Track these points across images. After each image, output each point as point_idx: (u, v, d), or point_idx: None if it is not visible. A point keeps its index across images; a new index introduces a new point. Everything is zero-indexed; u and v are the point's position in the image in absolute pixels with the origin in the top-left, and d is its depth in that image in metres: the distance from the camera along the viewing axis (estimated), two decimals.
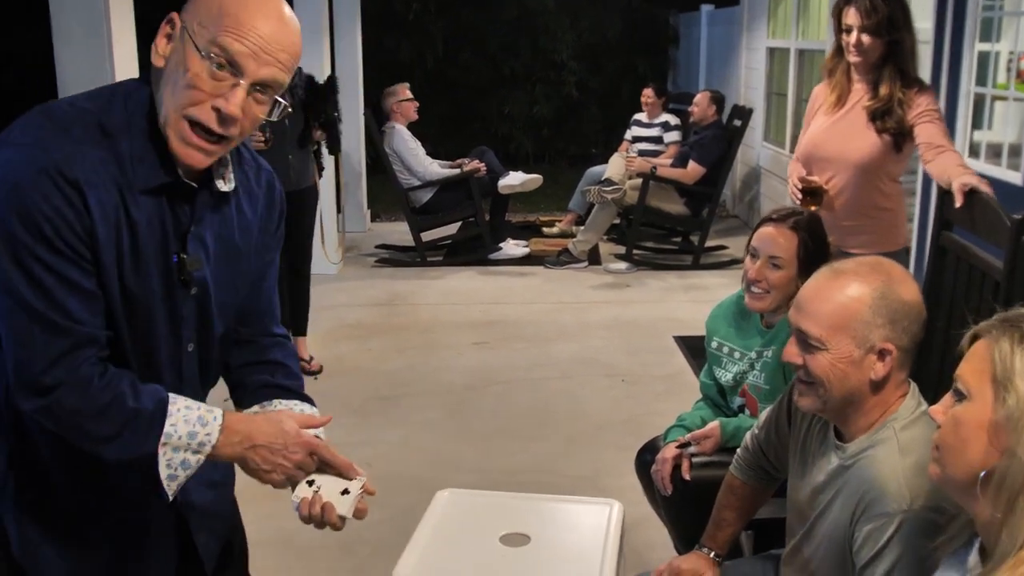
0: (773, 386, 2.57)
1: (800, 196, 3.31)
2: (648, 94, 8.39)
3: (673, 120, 8.33)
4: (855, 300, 1.74)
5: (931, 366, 2.60)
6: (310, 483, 1.66)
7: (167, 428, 1.54)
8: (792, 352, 1.82)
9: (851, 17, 3.23)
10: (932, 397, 1.76)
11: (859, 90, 3.33)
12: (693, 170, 7.37)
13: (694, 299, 6.58)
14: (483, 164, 7.48)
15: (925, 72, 5.28)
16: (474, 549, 1.97)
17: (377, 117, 7.62)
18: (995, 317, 1.38)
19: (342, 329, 5.98)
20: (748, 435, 2.20)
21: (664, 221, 7.63)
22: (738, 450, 2.24)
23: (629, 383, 5.07)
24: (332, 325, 6.02)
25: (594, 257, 7.52)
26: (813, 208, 3.21)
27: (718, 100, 7.72)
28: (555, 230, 8.43)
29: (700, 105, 7.67)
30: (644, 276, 7.21)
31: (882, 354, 1.74)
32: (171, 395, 1.57)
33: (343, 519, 1.66)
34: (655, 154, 8.07)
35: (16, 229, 1.41)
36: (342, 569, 3.35)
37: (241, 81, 1.48)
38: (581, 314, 6.30)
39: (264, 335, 1.85)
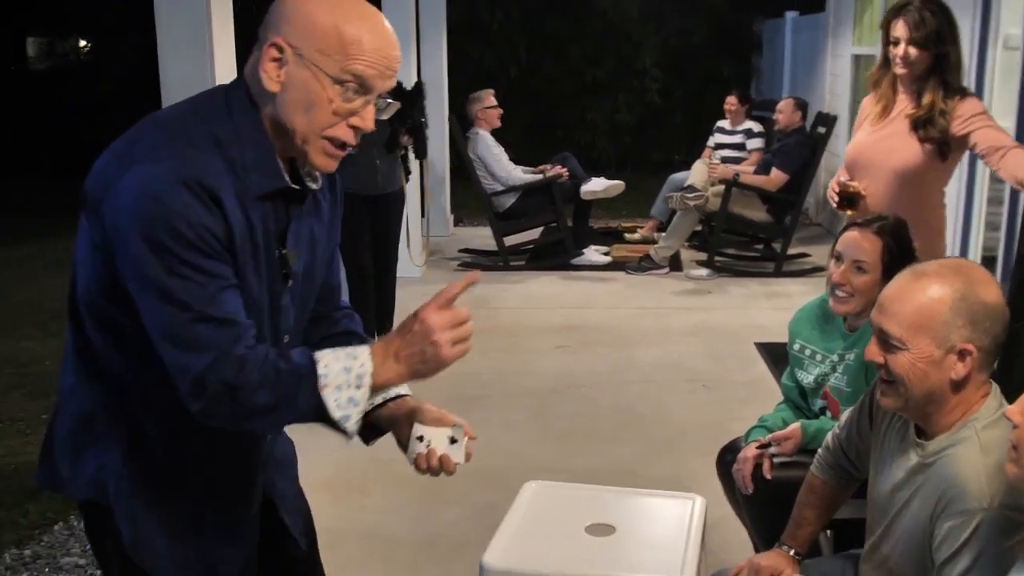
0: (855, 388, 2.60)
1: (837, 200, 3.38)
2: (731, 101, 8.38)
3: (756, 127, 8.31)
4: (935, 301, 1.78)
5: (1017, 369, 2.60)
6: (420, 439, 1.76)
7: (320, 371, 1.59)
8: (874, 351, 1.86)
9: (899, 30, 3.29)
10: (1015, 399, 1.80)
11: (903, 100, 3.39)
12: (776, 177, 7.36)
13: (776, 306, 6.56)
14: (566, 170, 7.55)
15: (1015, 79, 5.22)
16: (560, 538, 2.05)
17: (461, 123, 7.74)
18: None
19: None
20: (829, 435, 2.24)
21: (746, 228, 7.62)
22: (819, 450, 2.28)
23: (711, 389, 5.09)
24: None
25: (675, 263, 7.54)
26: (850, 213, 3.30)
27: (802, 107, 7.69)
28: (637, 236, 8.46)
29: (784, 112, 7.65)
30: (726, 283, 7.21)
31: (962, 354, 1.77)
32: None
33: (457, 465, 1.77)
34: (738, 161, 8.06)
35: (166, 240, 1.49)
36: (424, 562, 3.44)
37: (369, 97, 1.60)
38: (663, 320, 6.33)
39: (335, 309, 1.96)
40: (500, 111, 7.69)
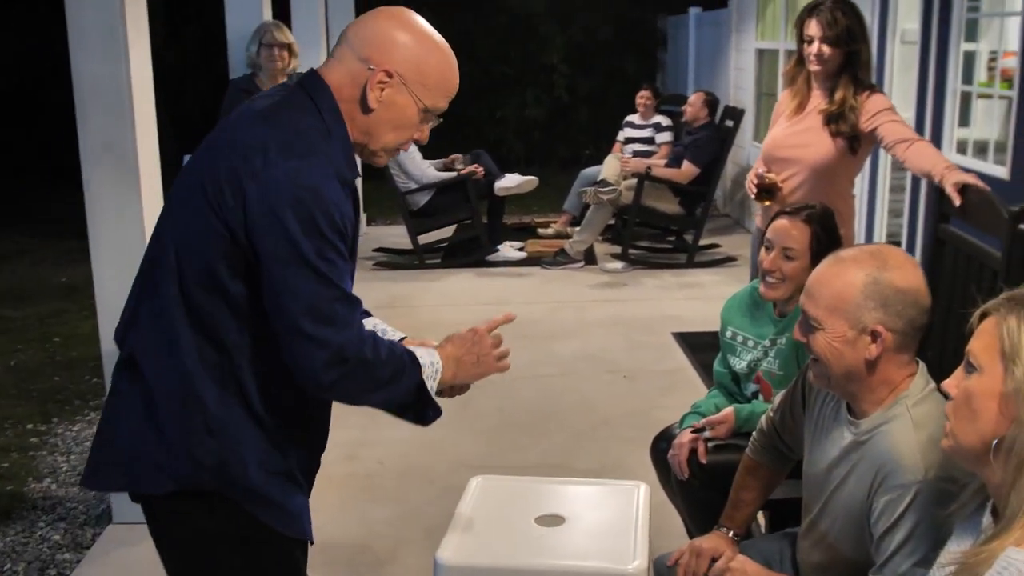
0: (787, 372, 2.68)
1: (756, 191, 3.52)
2: (645, 95, 8.49)
3: (665, 121, 8.45)
4: (849, 284, 1.87)
5: (931, 350, 2.71)
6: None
7: (419, 359, 1.85)
8: (796, 331, 1.96)
9: (813, 28, 3.45)
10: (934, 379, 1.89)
11: (817, 96, 3.55)
12: (688, 170, 7.50)
13: (690, 296, 6.70)
14: (480, 167, 7.58)
15: (912, 71, 5.42)
16: (512, 531, 2.08)
17: None
18: (1002, 296, 1.49)
19: None
20: (764, 418, 2.31)
21: (659, 220, 7.75)
22: (754, 433, 2.35)
23: (631, 379, 5.18)
24: None
25: (590, 257, 7.63)
26: (767, 203, 3.49)
27: (711, 102, 7.85)
28: (551, 231, 8.53)
29: (694, 106, 7.80)
30: (640, 275, 7.32)
31: (875, 335, 1.85)
32: None
33: None
34: (648, 155, 8.19)
35: (322, 226, 1.67)
36: (361, 564, 3.43)
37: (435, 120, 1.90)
38: (580, 313, 6.40)
39: None
40: None
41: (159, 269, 1.75)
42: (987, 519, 1.52)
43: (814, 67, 3.47)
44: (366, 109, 1.80)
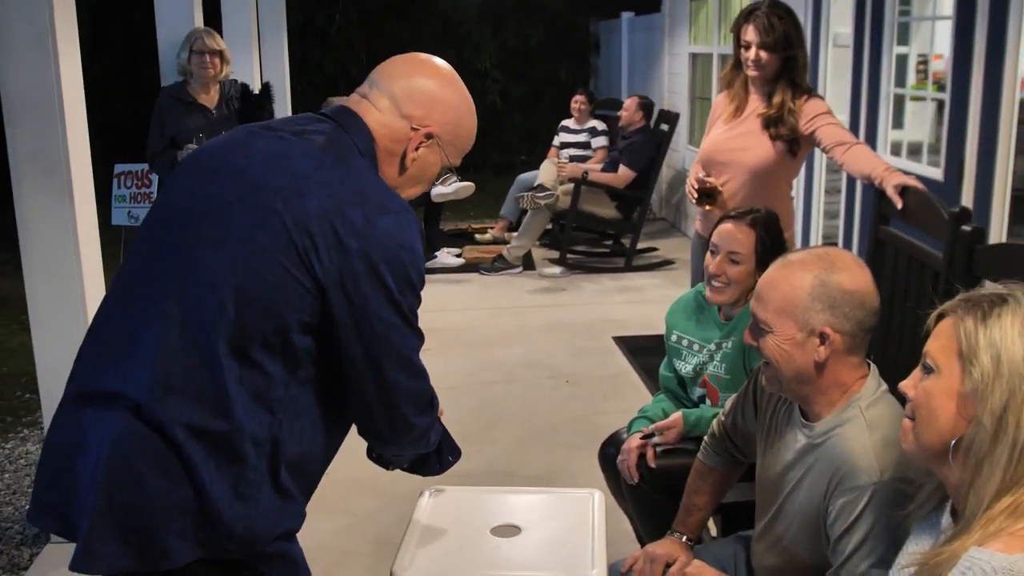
0: (734, 376, 2.68)
1: (696, 196, 3.55)
2: (580, 100, 8.51)
3: (600, 126, 8.48)
4: (796, 287, 1.87)
5: (875, 351, 2.73)
6: None
7: None
8: (747, 335, 1.96)
9: (750, 34, 3.48)
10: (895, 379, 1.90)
11: (755, 100, 3.58)
12: (624, 174, 7.53)
13: (629, 300, 6.72)
14: None
15: (846, 75, 5.49)
16: (468, 542, 2.04)
17: None
18: (958, 297, 1.50)
19: None
20: (715, 422, 2.31)
21: (596, 225, 7.78)
22: (705, 437, 2.34)
23: (573, 384, 5.17)
24: None
25: (528, 262, 7.62)
26: (708, 207, 3.53)
27: (646, 106, 7.89)
28: (488, 237, 8.51)
29: (629, 110, 7.83)
30: (578, 279, 7.33)
31: (823, 337, 1.85)
32: None
33: None
34: (584, 159, 8.21)
35: (415, 281, 1.68)
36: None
37: None
38: (520, 318, 6.38)
39: None
40: None
41: (203, 328, 1.59)
42: (946, 519, 1.52)
43: (752, 72, 3.50)
44: (401, 168, 1.79)
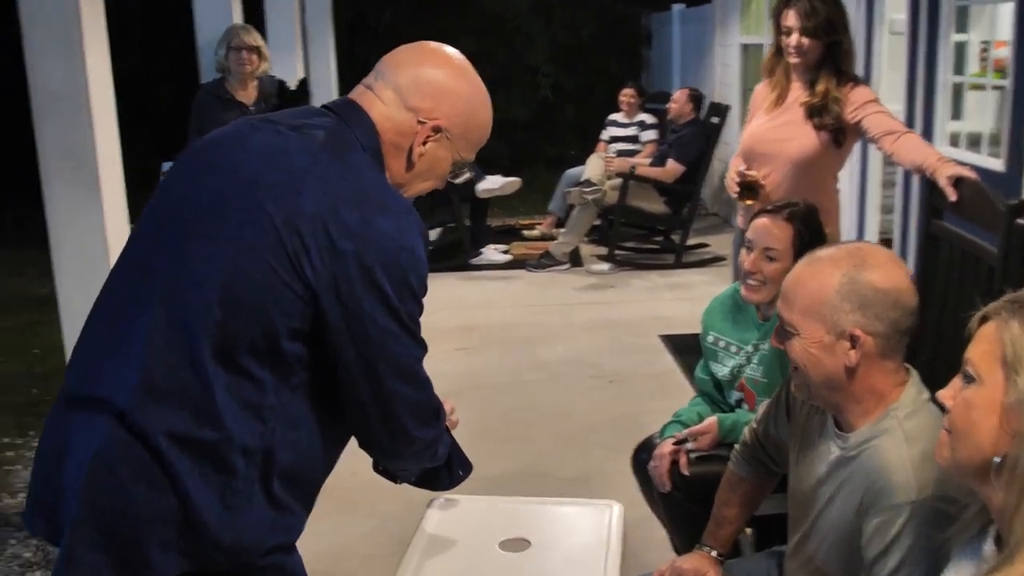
0: (771, 379, 2.54)
1: (737, 190, 3.37)
2: (629, 93, 8.36)
3: (649, 119, 8.32)
4: (823, 286, 1.73)
5: (923, 355, 2.58)
6: None
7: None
8: (774, 338, 1.82)
9: (790, 19, 3.31)
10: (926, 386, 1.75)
11: (797, 88, 3.41)
12: (672, 168, 7.37)
13: (678, 297, 6.57)
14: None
15: (901, 63, 5.29)
16: (474, 556, 1.94)
17: None
18: (1004, 299, 1.35)
19: None
20: (747, 429, 2.18)
21: (645, 220, 7.62)
22: (736, 445, 2.21)
23: (617, 383, 5.04)
24: None
25: (576, 259, 7.48)
26: (749, 202, 3.33)
27: (696, 98, 7.71)
28: (536, 233, 8.39)
29: (678, 102, 7.67)
30: (627, 276, 7.19)
31: (853, 340, 1.71)
32: None
33: None
34: (632, 154, 8.06)
35: (415, 286, 1.56)
36: None
37: None
38: (566, 316, 6.26)
39: None
40: None
41: (188, 328, 1.51)
42: (989, 546, 1.38)
43: (793, 59, 3.33)
44: (408, 163, 1.68)
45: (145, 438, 1.50)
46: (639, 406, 4.67)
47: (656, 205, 7.42)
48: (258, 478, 1.57)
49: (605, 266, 7.31)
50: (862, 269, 1.71)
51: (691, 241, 7.60)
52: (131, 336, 1.55)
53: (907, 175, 5.19)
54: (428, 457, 1.76)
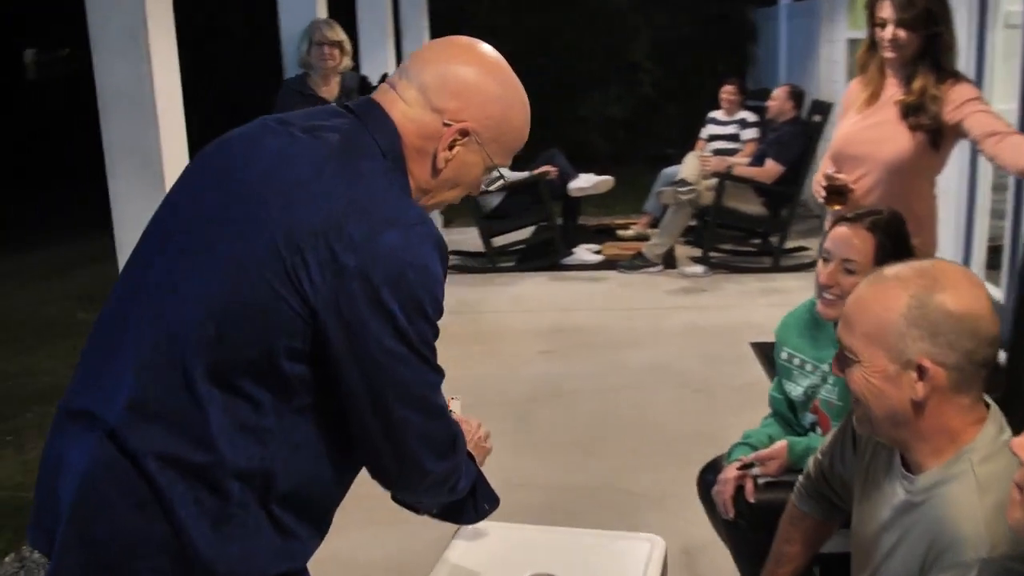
0: (847, 403, 2.32)
1: (824, 194, 3.15)
2: (729, 90, 8.13)
3: (751, 117, 8.06)
4: (888, 308, 1.54)
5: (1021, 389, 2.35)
6: None
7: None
8: (834, 364, 1.63)
9: (886, 10, 3.06)
10: (1019, 427, 1.54)
11: (892, 85, 3.16)
12: (771, 168, 7.09)
13: (773, 303, 6.30)
14: (555, 168, 7.30)
15: (1016, 59, 4.96)
16: None
17: None
18: None
19: None
20: (811, 460, 1.99)
21: (741, 222, 7.35)
22: (800, 477, 2.02)
23: (702, 393, 4.84)
24: None
25: (669, 260, 7.27)
26: (837, 207, 3.09)
27: (797, 95, 7.42)
28: (630, 233, 8.20)
29: (778, 100, 7.39)
30: (721, 279, 6.95)
31: (921, 371, 1.51)
32: None
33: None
34: (732, 152, 7.81)
35: (427, 307, 1.43)
36: None
37: None
38: (655, 320, 6.07)
39: None
40: None
41: (181, 345, 1.41)
42: None
43: (888, 54, 3.09)
44: (434, 169, 1.55)
45: (135, 459, 1.41)
46: (723, 419, 4.46)
47: (753, 206, 7.15)
48: (257, 503, 1.46)
49: (699, 268, 7.08)
50: (933, 291, 1.51)
51: (790, 244, 7.31)
52: (126, 350, 1.46)
53: (1020, 179, 4.86)
54: (445, 491, 1.62)
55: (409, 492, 1.60)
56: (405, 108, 1.54)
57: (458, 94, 1.53)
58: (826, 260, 2.37)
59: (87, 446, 1.44)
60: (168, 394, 1.41)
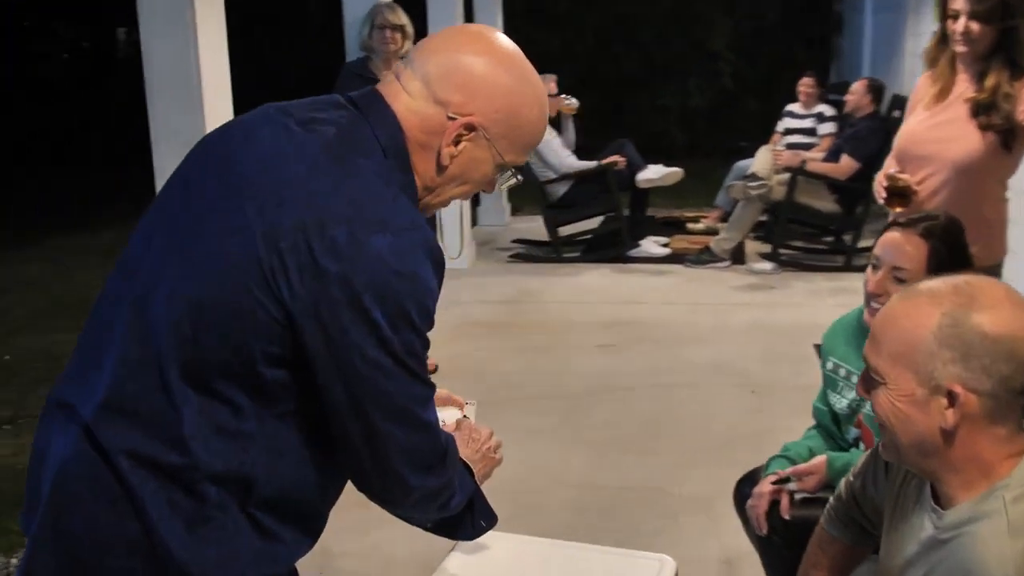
0: None
1: (886, 196, 3.00)
2: (808, 83, 7.91)
3: (828, 111, 7.83)
4: (917, 327, 1.40)
5: None
6: None
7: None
8: (860, 384, 1.51)
9: (958, 2, 2.89)
10: None
11: (963, 82, 2.99)
12: (846, 164, 6.87)
13: (841, 304, 6.06)
14: (624, 158, 7.17)
15: None
16: None
17: None
18: None
19: (465, 327, 5.79)
20: (843, 482, 1.87)
21: (814, 219, 7.14)
22: (830, 499, 1.90)
23: (761, 394, 4.70)
24: (455, 322, 5.84)
25: (739, 256, 7.10)
26: (899, 209, 2.95)
27: (876, 89, 7.17)
28: (700, 226, 8.05)
29: (856, 94, 7.15)
30: (790, 277, 6.77)
31: (952, 397, 1.38)
32: None
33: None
34: (808, 147, 7.59)
35: (415, 318, 1.35)
36: None
37: None
38: (718, 317, 5.93)
39: None
40: (559, 100, 7.33)
41: (157, 344, 1.37)
42: None
43: (960, 48, 2.92)
44: (438, 166, 1.47)
45: (107, 456, 1.37)
46: (780, 422, 4.31)
47: (826, 203, 6.94)
48: (236, 506, 1.40)
49: (768, 265, 6.91)
50: (969, 309, 1.38)
51: (864, 243, 7.07)
52: (109, 345, 1.42)
53: None
54: (435, 508, 1.54)
55: (395, 507, 1.52)
56: (408, 100, 1.45)
57: (464, 86, 1.44)
58: (875, 267, 2.25)
59: (68, 438, 1.41)
60: (143, 393, 1.36)
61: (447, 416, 1.76)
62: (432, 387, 1.44)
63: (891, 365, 1.42)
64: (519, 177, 1.58)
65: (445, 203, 1.55)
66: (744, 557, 3.08)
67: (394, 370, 1.35)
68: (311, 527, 1.51)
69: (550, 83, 7.31)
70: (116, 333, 1.41)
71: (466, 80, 1.44)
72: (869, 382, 1.47)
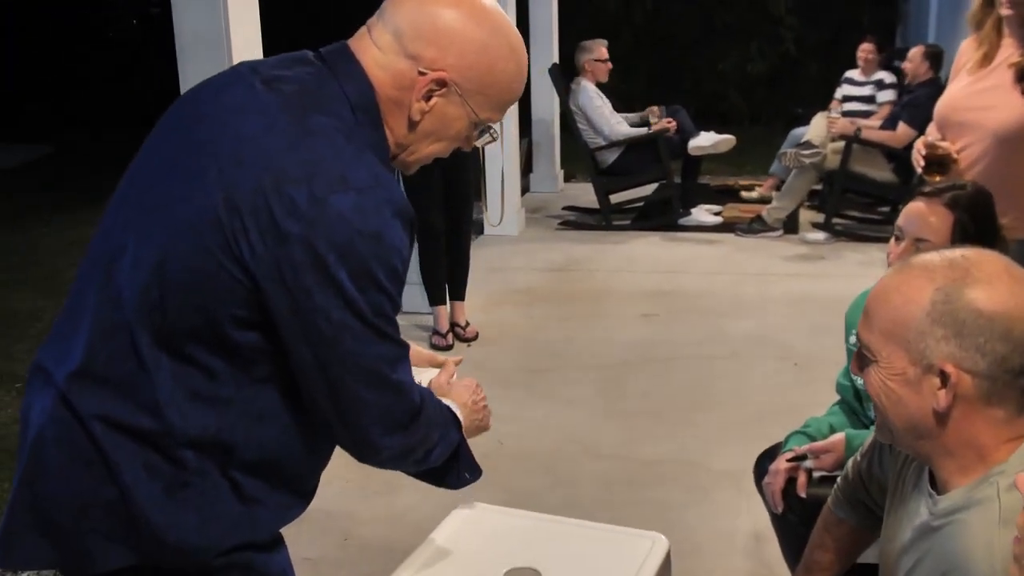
0: None
1: (924, 164, 2.88)
2: (867, 48, 7.67)
3: (888, 78, 7.59)
4: (909, 303, 1.34)
5: None
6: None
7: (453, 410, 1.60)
8: (853, 363, 1.45)
9: None
10: None
11: (1009, 46, 2.86)
12: (903, 133, 6.67)
13: None
14: (674, 123, 7.04)
15: None
16: None
17: (567, 72, 7.31)
18: None
19: (509, 294, 5.76)
20: (850, 462, 1.81)
21: (869, 188, 6.96)
22: (838, 479, 1.84)
23: (802, 367, 4.60)
24: (500, 289, 5.82)
25: (791, 225, 6.96)
26: (938, 178, 2.81)
27: (933, 56, 6.95)
28: (754, 195, 7.90)
29: (913, 61, 6.94)
30: (842, 248, 6.62)
31: (944, 377, 1.31)
32: None
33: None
34: (866, 115, 7.38)
35: (381, 279, 1.33)
36: None
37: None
38: (765, 287, 5.83)
39: None
40: (610, 67, 7.23)
41: (127, 309, 1.35)
42: None
43: (1005, 11, 2.80)
44: (410, 122, 1.44)
45: (82, 421, 1.37)
46: (819, 396, 4.16)
47: (882, 172, 6.76)
48: (217, 471, 1.39)
49: (821, 235, 6.77)
50: (963, 284, 1.31)
51: None
52: (84, 310, 1.41)
53: None
54: (411, 463, 1.52)
55: (368, 462, 1.49)
56: (377, 55, 1.41)
57: (435, 40, 1.39)
58: (898, 238, 2.17)
59: (45, 403, 1.41)
60: (115, 358, 1.36)
61: (425, 377, 1.74)
62: (405, 346, 1.41)
63: (883, 342, 1.36)
64: (495, 135, 1.54)
65: (422, 160, 1.51)
66: (772, 534, 3.03)
67: (362, 331, 1.33)
68: (299, 489, 1.50)
69: (600, 48, 7.20)
70: (89, 297, 1.40)
71: (437, 34, 1.39)
72: (862, 360, 1.41)
